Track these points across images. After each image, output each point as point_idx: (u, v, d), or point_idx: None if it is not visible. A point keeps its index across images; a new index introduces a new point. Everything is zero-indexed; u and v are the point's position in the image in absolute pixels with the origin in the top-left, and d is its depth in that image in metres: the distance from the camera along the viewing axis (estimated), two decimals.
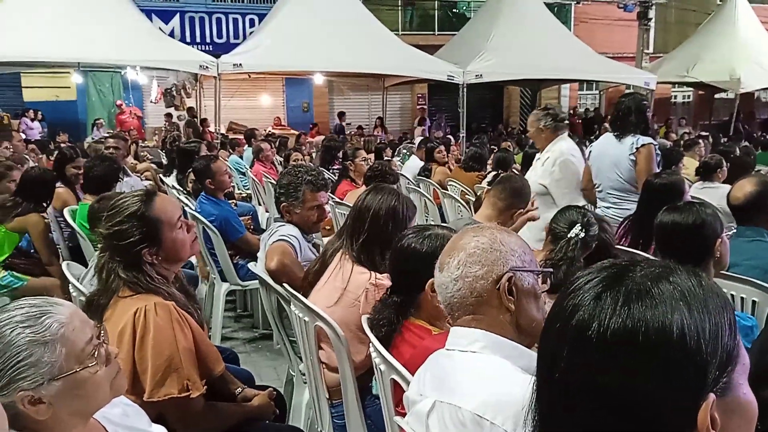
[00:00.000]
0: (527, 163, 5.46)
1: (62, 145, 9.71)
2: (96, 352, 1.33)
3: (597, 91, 20.37)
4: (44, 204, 4.27)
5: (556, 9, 15.50)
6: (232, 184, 5.53)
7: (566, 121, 4.43)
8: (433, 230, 2.05)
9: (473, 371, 1.32)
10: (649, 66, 14.92)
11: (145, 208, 1.97)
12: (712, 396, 0.74)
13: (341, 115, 16.74)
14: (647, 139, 3.92)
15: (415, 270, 1.87)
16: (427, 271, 1.68)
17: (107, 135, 11.85)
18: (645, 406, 0.74)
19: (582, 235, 2.50)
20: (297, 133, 13.99)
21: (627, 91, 12.80)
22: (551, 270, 1.55)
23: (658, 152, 3.99)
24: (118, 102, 14.63)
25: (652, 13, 15.37)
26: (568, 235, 2.51)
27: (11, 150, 6.21)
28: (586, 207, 3.12)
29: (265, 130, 13.24)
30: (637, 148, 3.90)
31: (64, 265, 2.85)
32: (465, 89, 11.35)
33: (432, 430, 1.32)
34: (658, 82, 13.10)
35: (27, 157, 7.18)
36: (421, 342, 1.87)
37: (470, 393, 1.26)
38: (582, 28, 17.44)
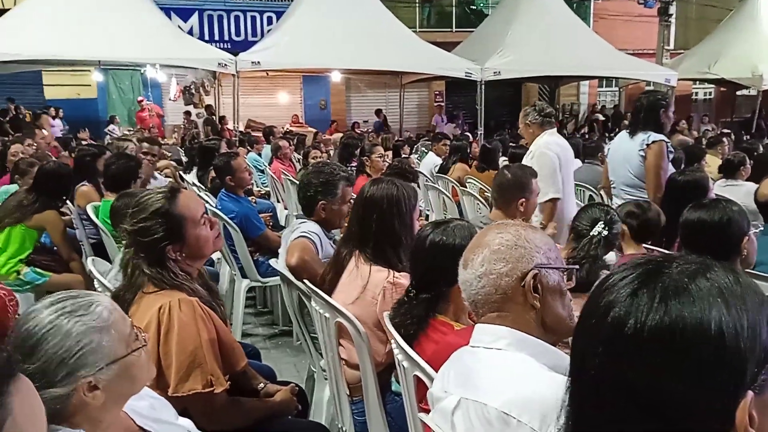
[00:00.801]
0: None
1: (83, 142, 9.84)
2: (137, 336, 1.37)
3: (617, 88, 20.17)
4: (61, 199, 4.27)
5: (575, 5, 15.39)
6: (251, 181, 5.55)
7: (552, 117, 4.39)
8: (452, 222, 2.06)
9: (499, 368, 1.32)
10: (670, 62, 14.75)
11: (169, 205, 1.98)
12: (750, 394, 0.73)
13: (378, 112, 16.65)
14: (659, 136, 3.91)
15: (443, 264, 1.87)
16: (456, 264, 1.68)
17: (128, 132, 12.00)
18: (681, 405, 0.73)
19: (605, 233, 2.49)
20: (314, 130, 14.04)
21: (647, 88, 12.65)
22: (577, 267, 1.54)
23: (671, 150, 3.96)
24: (140, 98, 14.75)
25: (672, 9, 15.18)
26: (591, 233, 2.50)
27: (34, 147, 6.29)
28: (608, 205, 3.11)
29: (282, 128, 13.29)
30: (647, 145, 3.90)
31: (89, 261, 2.88)
32: (483, 86, 11.29)
33: (457, 427, 1.31)
34: (679, 79, 12.93)
35: (49, 153, 7.28)
36: (443, 338, 1.87)
37: (496, 390, 1.26)
38: (601, 25, 17.28)
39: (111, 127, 13.72)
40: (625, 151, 4.05)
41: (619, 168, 4.10)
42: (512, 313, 1.37)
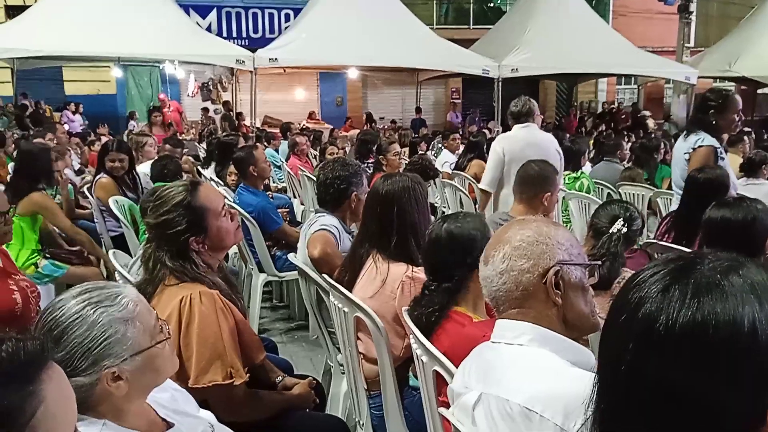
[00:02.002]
0: (567, 158, 5.38)
1: (102, 137, 9.94)
2: (162, 329, 1.38)
3: (635, 86, 19.98)
4: (41, 180, 4.09)
5: (594, 2, 15.24)
6: (271, 173, 5.57)
7: (525, 114, 4.41)
8: (461, 213, 2.08)
9: (521, 364, 1.31)
10: (690, 60, 14.57)
11: (190, 197, 2.01)
12: None
13: (419, 110, 16.58)
14: (710, 141, 3.71)
15: (460, 252, 1.88)
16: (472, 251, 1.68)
17: (147, 127, 12.09)
18: (713, 402, 0.72)
19: (624, 230, 2.47)
20: (330, 127, 14.06)
21: (715, 85, 12.46)
22: (599, 263, 1.52)
23: (722, 156, 3.74)
24: (161, 96, 14.86)
25: (693, 6, 14.99)
26: (610, 230, 2.48)
27: (55, 141, 6.36)
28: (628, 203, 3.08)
29: (299, 124, 13.33)
30: (694, 148, 3.73)
31: (110, 253, 2.91)
32: (500, 83, 11.24)
33: (478, 422, 1.31)
34: (699, 77, 12.77)
35: (69, 148, 7.35)
36: (461, 330, 1.87)
37: (518, 386, 1.25)
38: (621, 22, 17.12)
39: (131, 123, 13.84)
40: (677, 151, 3.96)
41: (674, 168, 4.03)
42: (534, 310, 1.37)
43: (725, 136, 3.87)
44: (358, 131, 10.31)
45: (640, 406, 0.76)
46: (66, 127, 9.88)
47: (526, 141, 4.34)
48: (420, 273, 2.37)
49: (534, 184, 3.17)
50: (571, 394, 1.17)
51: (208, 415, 1.68)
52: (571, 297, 1.37)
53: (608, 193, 5.59)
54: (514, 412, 1.23)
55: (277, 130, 10.80)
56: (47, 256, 4.09)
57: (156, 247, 2.00)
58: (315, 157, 8.41)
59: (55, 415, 0.71)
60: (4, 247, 2.78)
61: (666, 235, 3.20)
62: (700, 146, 3.72)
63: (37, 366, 0.71)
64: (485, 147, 7.44)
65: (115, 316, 1.31)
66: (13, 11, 13.03)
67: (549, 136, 4.75)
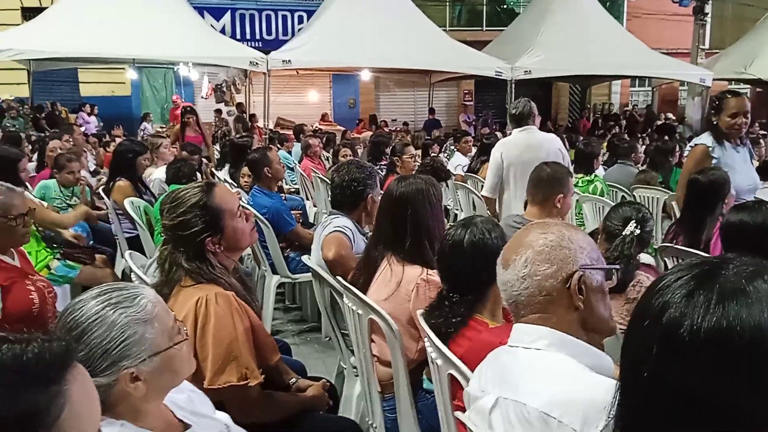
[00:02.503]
0: (580, 160, 5.37)
1: (117, 138, 10.02)
2: (180, 330, 1.38)
3: (650, 88, 19.85)
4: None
5: (608, 3, 15.18)
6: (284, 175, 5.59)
7: (524, 117, 4.39)
8: (475, 219, 2.07)
9: (539, 368, 1.30)
10: (705, 62, 14.45)
11: (206, 198, 2.02)
12: None
13: (432, 111, 16.54)
14: (704, 140, 3.79)
15: (484, 262, 1.86)
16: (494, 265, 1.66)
17: (161, 129, 12.17)
18: (736, 408, 0.71)
19: (638, 231, 2.45)
20: (342, 129, 14.09)
21: (729, 87, 12.37)
22: (618, 266, 1.51)
23: (713, 156, 3.76)
24: (174, 97, 14.97)
25: (708, 8, 14.88)
26: (623, 233, 2.46)
27: (72, 143, 6.43)
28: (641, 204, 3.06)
29: (312, 126, 13.36)
30: (691, 147, 3.87)
31: (126, 255, 2.93)
32: (513, 85, 11.20)
33: (495, 426, 1.30)
34: (714, 79, 12.66)
35: (86, 150, 7.43)
36: (478, 335, 1.86)
37: (536, 390, 1.24)
38: (635, 24, 17.03)
39: (144, 124, 13.94)
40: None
41: None
42: (555, 315, 1.36)
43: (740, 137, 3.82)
44: (370, 133, 10.32)
45: (662, 411, 0.75)
46: (81, 128, 9.95)
47: (525, 144, 4.35)
48: (435, 276, 2.36)
49: (546, 186, 3.16)
50: (589, 399, 1.16)
51: (224, 416, 1.68)
52: (592, 301, 1.36)
53: (622, 196, 5.55)
54: (531, 416, 1.22)
55: (290, 132, 10.84)
56: (59, 257, 4.12)
57: (172, 248, 2.01)
58: (327, 159, 8.43)
59: (81, 415, 0.72)
60: (22, 248, 2.81)
61: (674, 240, 3.18)
62: (696, 144, 3.82)
63: (62, 366, 0.72)
64: None
65: (134, 317, 1.32)
66: (29, 13, 13.17)
67: (551, 136, 4.73)
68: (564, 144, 7.80)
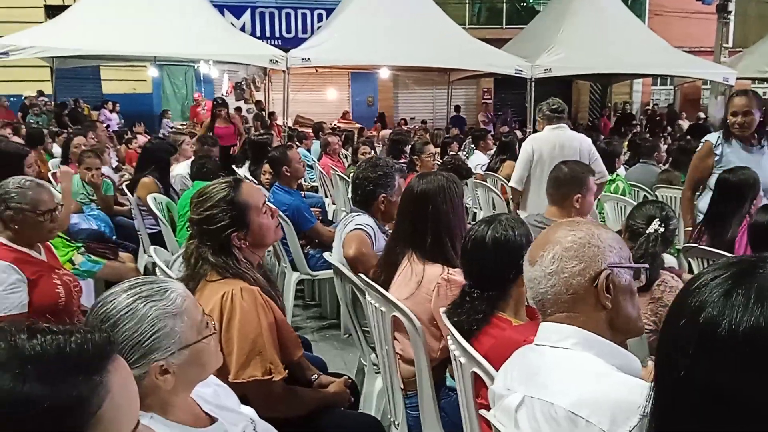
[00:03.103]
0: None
1: (138, 135, 10.13)
2: (208, 324, 1.40)
3: (672, 87, 19.62)
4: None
5: (630, 1, 15.02)
6: (304, 173, 5.61)
7: (560, 113, 4.61)
8: (501, 216, 2.05)
9: (566, 367, 1.29)
10: (728, 61, 14.25)
11: (233, 194, 2.05)
12: None
13: (457, 108, 16.53)
14: (711, 137, 3.90)
15: (508, 260, 1.86)
16: (518, 261, 1.66)
17: (181, 126, 12.28)
18: None
19: (662, 230, 2.42)
20: (360, 126, 14.11)
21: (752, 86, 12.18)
22: (647, 265, 1.50)
23: (716, 153, 3.79)
24: (196, 95, 15.08)
25: (731, 6, 14.65)
26: (647, 231, 2.43)
27: (96, 140, 6.51)
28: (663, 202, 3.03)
29: (330, 124, 13.40)
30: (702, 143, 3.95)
31: (151, 249, 2.96)
32: (533, 84, 11.13)
33: (521, 425, 1.30)
34: (737, 78, 12.49)
35: (108, 146, 7.51)
36: (502, 333, 1.85)
37: (563, 390, 1.24)
38: (657, 21, 16.85)
39: (165, 121, 14.08)
40: None
41: None
42: (582, 314, 1.34)
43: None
44: (389, 131, 10.31)
45: (698, 410, 0.75)
46: (104, 125, 10.06)
47: (557, 142, 4.49)
48: (456, 275, 2.35)
49: (563, 186, 3.13)
50: (618, 399, 1.16)
51: (249, 411, 1.70)
52: (621, 301, 1.35)
53: (644, 195, 5.50)
54: (559, 416, 1.21)
55: (309, 130, 10.87)
56: (82, 252, 4.17)
57: (199, 243, 2.04)
58: (346, 157, 8.45)
59: (121, 406, 0.73)
60: (48, 242, 2.85)
61: (699, 239, 3.15)
62: (704, 141, 3.91)
63: (103, 358, 0.73)
64: (516, 148, 7.40)
65: (164, 310, 1.33)
66: (52, 11, 13.35)
67: (580, 136, 4.81)
68: None
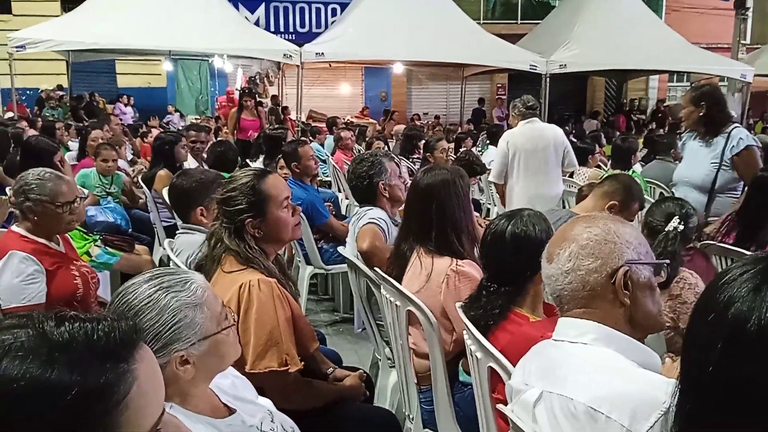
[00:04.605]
0: (617, 156, 5.29)
1: (153, 129, 10.19)
2: (227, 316, 1.41)
3: (688, 83, 19.41)
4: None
5: None
6: (317, 169, 5.61)
7: (533, 109, 5.03)
8: (524, 212, 2.04)
9: (586, 363, 1.29)
10: (746, 58, 14.08)
11: (256, 182, 2.09)
12: None
13: (481, 101, 16.43)
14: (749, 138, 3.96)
15: (526, 255, 1.85)
16: (537, 257, 1.65)
17: (195, 120, 12.32)
18: None
19: (681, 228, 2.39)
20: (374, 122, 14.12)
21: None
22: (667, 261, 1.48)
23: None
24: (229, 89, 15.11)
25: (749, 2, 14.47)
26: (666, 229, 2.41)
27: (111, 133, 6.55)
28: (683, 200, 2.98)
29: (344, 119, 13.41)
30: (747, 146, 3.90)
31: (165, 243, 2.98)
32: (548, 80, 11.07)
33: (539, 420, 1.30)
34: (755, 75, 12.34)
35: (125, 140, 7.56)
36: (519, 329, 1.85)
37: (584, 385, 1.23)
38: (674, 17, 16.67)
39: (168, 117, 14.11)
40: None
41: None
42: (600, 310, 1.34)
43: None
44: (403, 126, 10.31)
45: (726, 406, 0.74)
46: (119, 118, 10.13)
47: (530, 135, 4.92)
48: (465, 266, 2.36)
49: (612, 185, 3.06)
50: (639, 395, 1.15)
51: (266, 402, 1.71)
52: (640, 297, 1.34)
53: (660, 192, 5.46)
54: (578, 411, 1.21)
55: (322, 125, 10.88)
56: (99, 244, 4.20)
57: (220, 224, 2.09)
58: (359, 152, 8.44)
59: (147, 393, 0.74)
60: (66, 234, 2.88)
61: (727, 236, 3.11)
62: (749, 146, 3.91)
63: (131, 346, 0.74)
64: None
65: (184, 301, 1.34)
66: (68, 5, 13.43)
67: (552, 127, 5.23)
68: (599, 139, 7.74)
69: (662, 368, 1.45)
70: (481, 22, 14.60)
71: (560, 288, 1.38)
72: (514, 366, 1.54)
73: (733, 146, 3.81)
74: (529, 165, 4.89)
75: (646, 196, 4.69)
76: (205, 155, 5.29)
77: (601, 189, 3.10)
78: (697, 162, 3.98)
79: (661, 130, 13.35)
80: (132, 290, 1.33)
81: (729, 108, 4.12)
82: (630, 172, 5.07)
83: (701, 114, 3.88)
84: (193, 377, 1.35)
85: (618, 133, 8.56)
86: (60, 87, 13.56)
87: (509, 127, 5.65)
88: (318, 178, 6.96)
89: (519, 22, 17.04)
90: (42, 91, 13.70)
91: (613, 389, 1.19)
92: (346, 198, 6.40)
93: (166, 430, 0.78)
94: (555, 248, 1.41)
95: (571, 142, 7.44)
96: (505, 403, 1.50)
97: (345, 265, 3.47)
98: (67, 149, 7.02)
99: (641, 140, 7.97)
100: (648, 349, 1.34)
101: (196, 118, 13.60)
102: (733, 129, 3.86)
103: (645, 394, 1.15)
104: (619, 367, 1.25)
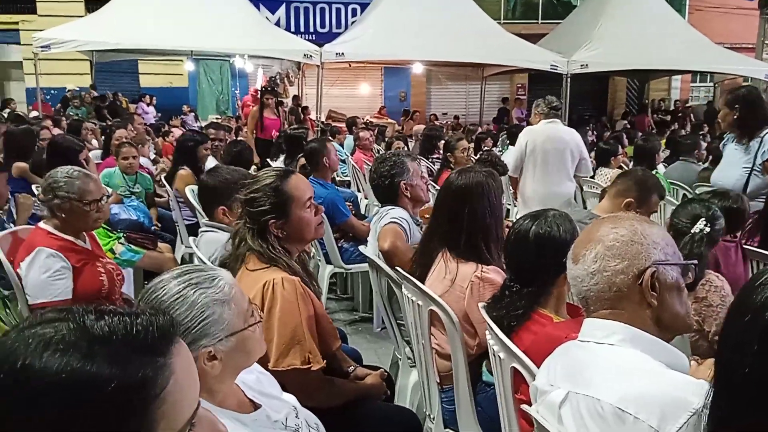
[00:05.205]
0: (640, 156, 5.24)
1: (174, 129, 10.28)
2: (253, 313, 1.43)
3: (711, 84, 19.16)
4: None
5: None
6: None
7: (557, 110, 5.17)
8: (549, 212, 2.02)
9: (613, 364, 1.28)
10: None
11: (279, 182, 2.10)
12: None
13: (505, 100, 16.37)
14: None
15: (549, 256, 1.84)
16: (561, 256, 1.65)
17: (216, 119, 12.41)
18: None
19: (707, 230, 2.35)
20: (393, 122, 14.13)
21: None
22: (695, 262, 1.46)
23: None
24: (253, 89, 15.20)
25: None
26: (692, 231, 2.38)
27: (134, 132, 6.63)
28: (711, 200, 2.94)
29: (363, 119, 13.43)
30: None
31: (191, 240, 3.01)
32: (569, 80, 10.98)
33: (565, 421, 1.29)
34: None
35: (148, 138, 7.65)
36: (542, 329, 1.84)
37: (610, 386, 1.22)
38: (697, 17, 16.46)
39: (182, 117, 14.20)
40: None
41: None
42: (627, 311, 1.33)
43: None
44: (423, 126, 10.30)
45: (761, 407, 0.74)
46: (143, 119, 10.25)
47: (549, 134, 5.04)
48: (490, 273, 2.34)
49: (623, 183, 3.06)
50: (668, 396, 1.14)
51: (291, 398, 1.72)
52: (667, 298, 1.33)
53: (683, 194, 5.40)
54: (605, 412, 1.20)
55: (341, 125, 10.90)
56: (123, 242, 4.25)
57: (243, 223, 2.11)
58: (378, 152, 8.46)
59: (183, 388, 0.75)
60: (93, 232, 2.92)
61: (750, 237, 3.07)
62: None
63: (168, 340, 0.75)
64: None
65: (212, 297, 1.36)
66: (92, 5, 13.60)
67: (571, 131, 5.35)
68: (621, 140, 7.68)
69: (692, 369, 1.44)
70: (502, 21, 14.53)
71: (586, 289, 1.37)
72: (538, 367, 1.53)
73: (765, 151, 3.75)
74: (544, 164, 5.00)
75: (669, 198, 4.66)
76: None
77: (614, 188, 3.09)
78: (731, 165, 3.95)
79: (683, 131, 13.19)
80: (161, 287, 1.35)
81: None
82: (653, 173, 5.03)
83: (735, 117, 3.85)
84: (219, 373, 1.36)
85: (640, 134, 8.46)
86: (93, 87, 13.73)
87: (529, 124, 5.75)
88: (338, 178, 7.02)
89: (540, 21, 16.93)
90: (68, 90, 13.87)
91: (642, 390, 1.18)
92: (365, 198, 6.42)
93: (201, 425, 0.79)
94: (581, 249, 1.40)
95: (593, 143, 7.39)
96: (529, 404, 1.50)
97: (364, 265, 3.48)
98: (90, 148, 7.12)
99: (663, 141, 7.88)
100: (675, 350, 1.33)
101: (217, 118, 13.70)
102: (767, 134, 3.80)
103: (674, 395, 1.14)
104: (647, 368, 1.24)
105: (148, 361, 0.71)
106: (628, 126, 13.83)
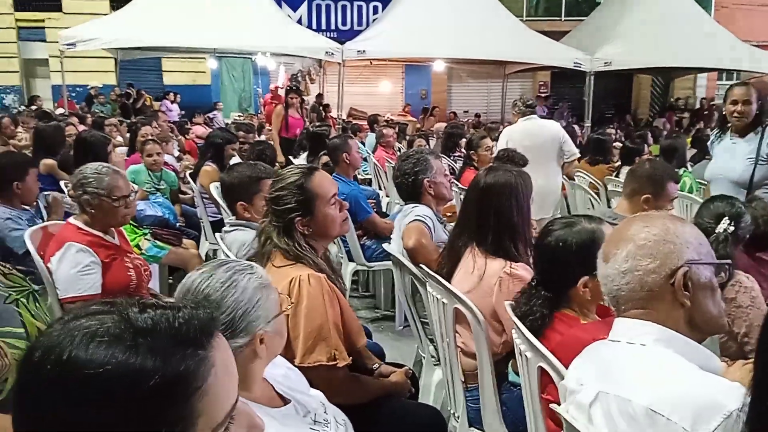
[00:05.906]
0: (667, 156, 5.19)
1: (197, 126, 10.38)
2: (284, 300, 1.50)
3: (738, 82, 18.86)
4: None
5: None
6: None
7: (532, 108, 5.54)
8: (580, 222, 1.99)
9: (645, 364, 1.26)
10: None
11: (304, 180, 2.11)
12: None
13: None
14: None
15: (565, 263, 1.83)
16: (578, 266, 1.65)
17: (238, 117, 12.51)
18: None
19: (731, 229, 2.30)
20: (414, 119, 14.11)
21: None
22: (729, 261, 1.44)
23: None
24: (273, 87, 15.31)
25: None
26: (716, 230, 2.33)
27: (159, 129, 6.70)
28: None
29: (384, 117, 13.44)
30: None
31: (217, 236, 3.04)
32: (592, 77, 10.88)
33: (595, 421, 1.28)
34: None
35: (172, 136, 7.73)
36: (569, 330, 1.83)
37: (642, 386, 1.21)
38: (723, 14, 16.19)
39: (214, 113, 14.34)
40: None
41: None
42: (658, 311, 1.31)
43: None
44: (444, 124, 10.27)
45: None
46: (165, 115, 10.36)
47: (527, 132, 5.35)
48: (519, 269, 2.33)
49: (635, 182, 3.04)
50: (701, 398, 1.13)
51: (318, 394, 1.73)
52: (700, 298, 1.31)
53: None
54: (637, 413, 1.19)
55: (363, 122, 10.91)
56: (149, 238, 4.30)
57: (269, 221, 2.12)
58: (400, 150, 8.45)
59: (223, 381, 0.75)
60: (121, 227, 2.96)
61: None
62: None
63: (208, 334, 0.76)
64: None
65: (258, 282, 1.43)
66: (117, 3, 13.78)
67: (549, 122, 5.70)
68: (647, 139, 7.60)
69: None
70: (524, 19, 14.42)
71: (617, 288, 1.36)
72: (565, 367, 1.52)
73: None
74: (527, 159, 4.99)
75: (694, 196, 4.60)
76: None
77: (628, 188, 3.08)
78: (732, 158, 3.99)
79: (708, 130, 12.99)
80: (208, 276, 1.39)
81: None
82: (682, 171, 4.98)
83: (757, 113, 3.94)
84: (257, 361, 1.40)
85: (665, 133, 8.37)
86: (130, 85, 13.93)
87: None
88: (359, 176, 7.03)
89: (563, 18, 16.77)
90: (91, 88, 14.05)
91: (675, 391, 1.17)
92: (387, 195, 6.42)
93: (239, 418, 0.79)
94: (611, 248, 1.38)
95: (616, 140, 7.31)
96: (556, 404, 1.49)
97: (387, 262, 3.48)
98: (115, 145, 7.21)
99: (689, 140, 7.78)
100: (708, 351, 1.32)
101: (239, 115, 13.80)
102: (766, 126, 3.91)
103: (707, 397, 1.12)
104: (680, 369, 1.23)
105: (190, 353, 0.72)
106: (660, 127, 13.62)
